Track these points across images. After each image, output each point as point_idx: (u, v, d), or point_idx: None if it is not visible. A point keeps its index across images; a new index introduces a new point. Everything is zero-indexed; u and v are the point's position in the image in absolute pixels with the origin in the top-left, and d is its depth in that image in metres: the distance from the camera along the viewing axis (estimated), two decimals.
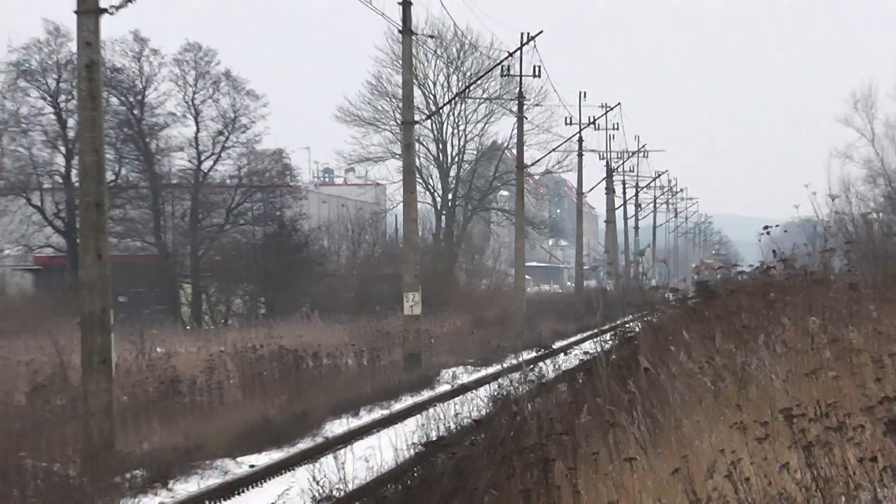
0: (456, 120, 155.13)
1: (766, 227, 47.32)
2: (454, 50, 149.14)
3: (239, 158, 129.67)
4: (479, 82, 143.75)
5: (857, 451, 16.79)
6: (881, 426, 16.26)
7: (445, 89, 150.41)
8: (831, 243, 49.51)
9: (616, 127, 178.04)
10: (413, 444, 41.47)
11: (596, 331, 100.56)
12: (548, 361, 67.78)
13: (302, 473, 42.94)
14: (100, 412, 47.38)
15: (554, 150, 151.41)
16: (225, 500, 41.25)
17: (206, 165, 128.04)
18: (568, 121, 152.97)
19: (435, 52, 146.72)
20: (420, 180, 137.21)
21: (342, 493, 36.54)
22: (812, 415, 17.92)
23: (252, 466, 47.30)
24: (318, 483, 37.80)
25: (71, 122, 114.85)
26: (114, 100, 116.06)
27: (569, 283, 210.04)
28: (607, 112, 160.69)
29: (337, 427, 57.93)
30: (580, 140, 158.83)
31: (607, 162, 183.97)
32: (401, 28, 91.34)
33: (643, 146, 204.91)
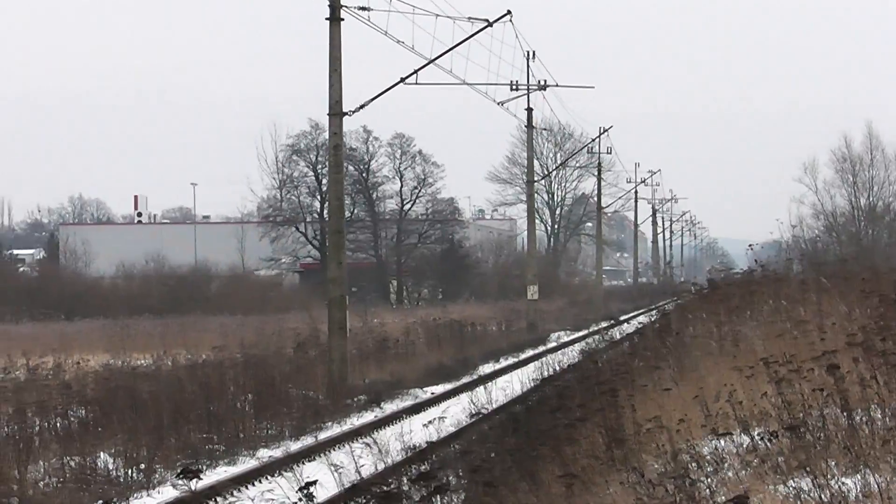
0: (559, 179, 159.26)
1: (750, 245, 50.17)
2: (558, 137, 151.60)
3: (426, 203, 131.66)
4: (573, 156, 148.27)
5: (809, 385, 17.06)
6: (824, 369, 16.56)
7: (553, 161, 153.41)
8: (790, 255, 52.15)
9: (657, 183, 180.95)
10: (532, 379, 41.69)
11: (645, 309, 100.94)
12: (615, 328, 68.08)
13: (464, 398, 43.10)
14: (338, 359, 47.88)
15: (619, 198, 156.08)
16: (415, 413, 41.37)
17: (406, 207, 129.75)
18: (628, 179, 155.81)
19: (547, 138, 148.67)
20: (538, 216, 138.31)
21: (489, 410, 36.72)
22: (780, 362, 18.23)
23: (433, 393, 47.50)
24: (473, 403, 38.01)
25: (323, 181, 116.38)
26: (350, 168, 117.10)
27: (629, 280, 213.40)
28: (652, 175, 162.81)
29: (485, 369, 58.05)
30: (636, 192, 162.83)
31: (652, 206, 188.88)
32: (526, 125, 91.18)
33: (674, 195, 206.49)
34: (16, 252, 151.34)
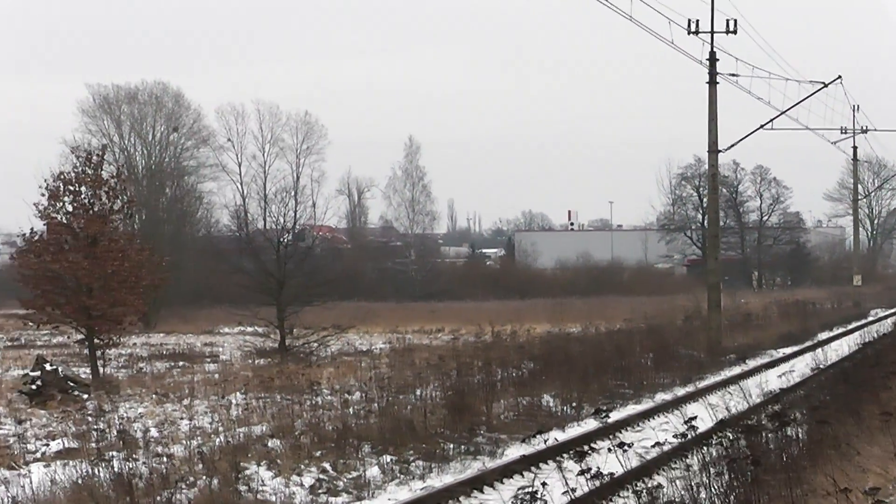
0: (877, 198, 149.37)
1: None
2: (875, 167, 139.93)
3: (779, 215, 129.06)
4: (887, 181, 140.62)
5: None
6: None
7: (872, 184, 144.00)
8: None
9: None
10: (857, 343, 40.53)
11: None
12: None
13: (807, 356, 42.11)
14: (714, 328, 48.20)
15: None
16: (771, 368, 40.60)
17: (763, 218, 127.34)
18: None
19: (867, 167, 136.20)
20: (861, 225, 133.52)
21: (825, 365, 35.89)
22: None
23: (783, 353, 46.57)
24: (814, 360, 37.18)
25: (704, 200, 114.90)
26: (723, 190, 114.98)
27: None
28: None
29: (822, 336, 56.55)
30: None
31: None
32: (852, 159, 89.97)
33: None
34: (484, 251, 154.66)
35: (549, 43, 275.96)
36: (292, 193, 78.12)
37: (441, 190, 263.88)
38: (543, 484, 12.25)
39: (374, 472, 20.22)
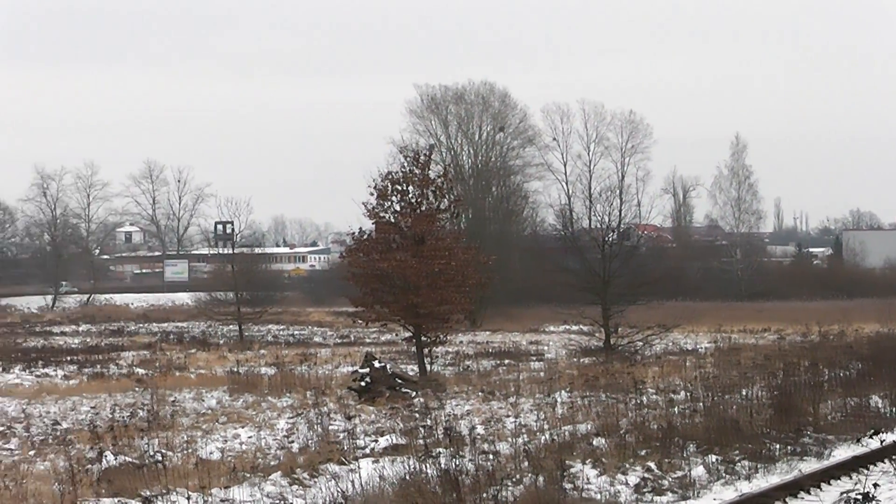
0: None
1: None
2: None
3: None
4: None
5: None
6: None
7: None
8: None
9: None
10: None
11: None
12: None
13: None
14: None
15: None
16: None
17: None
18: None
19: None
20: None
21: None
22: None
23: None
24: None
25: None
26: None
27: None
28: None
29: None
30: None
31: None
32: None
33: None
34: (811, 250, 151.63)
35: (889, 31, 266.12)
36: (617, 192, 77.85)
37: (767, 188, 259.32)
38: (875, 485, 11.82)
39: (699, 471, 19.95)
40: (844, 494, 11.85)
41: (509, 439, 22.02)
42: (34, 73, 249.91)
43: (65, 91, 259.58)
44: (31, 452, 24.52)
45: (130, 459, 20.88)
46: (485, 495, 16.85)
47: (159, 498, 16.89)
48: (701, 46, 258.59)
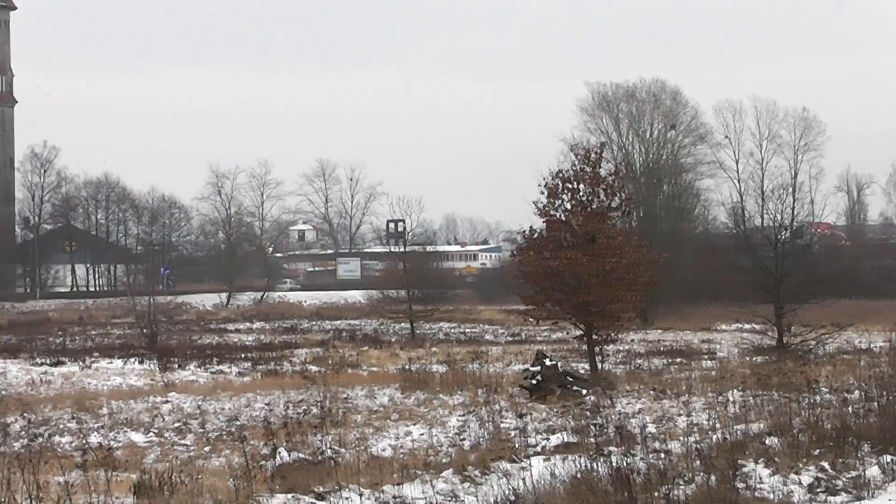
0: None
1: None
2: None
3: None
4: None
5: None
6: None
7: None
8: None
9: None
10: None
11: None
12: None
13: None
14: None
15: None
16: None
17: None
18: None
19: None
20: None
21: None
22: None
23: None
24: None
25: None
26: None
27: None
28: None
29: None
30: None
31: None
32: None
33: None
34: None
35: None
36: (790, 190, 76.76)
37: None
38: None
39: (873, 471, 19.61)
40: None
41: (681, 438, 21.88)
42: (218, 73, 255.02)
43: (242, 90, 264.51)
44: (206, 448, 25.20)
45: (304, 456, 21.27)
46: (656, 494, 16.83)
47: (332, 494, 17.10)
48: (875, 40, 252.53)
